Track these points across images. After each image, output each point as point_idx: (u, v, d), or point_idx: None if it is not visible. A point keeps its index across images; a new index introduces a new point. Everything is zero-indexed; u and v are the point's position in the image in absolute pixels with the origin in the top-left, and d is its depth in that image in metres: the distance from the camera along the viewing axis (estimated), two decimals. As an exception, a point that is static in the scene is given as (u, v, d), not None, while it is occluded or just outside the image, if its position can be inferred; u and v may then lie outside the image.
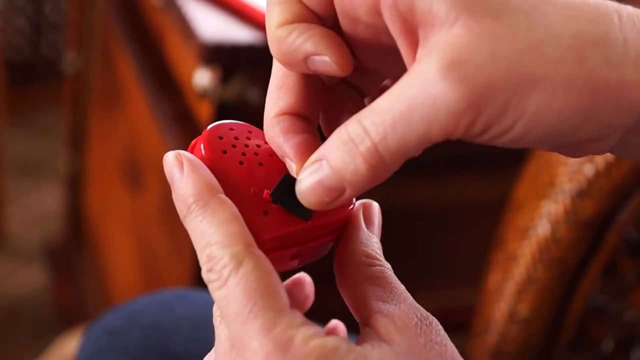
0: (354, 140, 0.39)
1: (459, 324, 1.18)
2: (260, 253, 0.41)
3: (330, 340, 0.39)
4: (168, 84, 1.16)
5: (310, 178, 0.41)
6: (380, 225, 0.47)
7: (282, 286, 0.41)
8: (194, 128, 1.08)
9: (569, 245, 0.78)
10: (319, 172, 0.41)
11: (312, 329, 0.39)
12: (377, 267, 0.44)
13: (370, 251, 0.45)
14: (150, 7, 1.23)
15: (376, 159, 0.39)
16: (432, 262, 1.25)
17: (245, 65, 0.99)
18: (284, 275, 0.47)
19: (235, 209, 0.42)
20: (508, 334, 0.82)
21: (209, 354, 0.46)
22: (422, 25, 0.38)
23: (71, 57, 1.63)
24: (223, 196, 0.42)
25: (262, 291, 0.39)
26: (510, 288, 0.81)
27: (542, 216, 0.79)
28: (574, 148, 0.41)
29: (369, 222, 0.47)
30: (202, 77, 0.98)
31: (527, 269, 0.80)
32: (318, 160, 0.41)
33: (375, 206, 0.48)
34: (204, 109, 1.03)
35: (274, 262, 0.43)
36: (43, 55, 2.36)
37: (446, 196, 1.22)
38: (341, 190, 0.40)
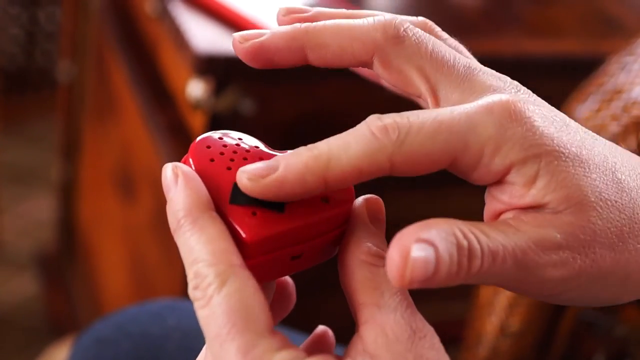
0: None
1: (451, 337, 1.17)
2: (246, 273, 0.40)
3: None
4: (161, 94, 1.16)
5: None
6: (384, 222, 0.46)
7: (266, 308, 0.40)
8: (187, 139, 1.08)
9: (560, 260, 0.78)
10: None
11: (291, 353, 0.39)
12: (380, 267, 0.43)
13: (374, 249, 0.43)
14: (145, 18, 1.23)
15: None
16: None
17: (239, 77, 0.99)
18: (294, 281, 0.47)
19: (224, 227, 0.41)
20: (499, 347, 0.82)
21: None
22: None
23: (65, 66, 1.63)
24: (213, 213, 0.42)
25: (242, 313, 0.39)
26: (501, 302, 0.81)
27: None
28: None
29: (374, 219, 0.45)
30: (196, 88, 0.98)
31: (518, 282, 0.80)
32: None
33: (381, 202, 0.46)
34: (197, 120, 1.03)
35: (273, 264, 0.43)
36: (37, 64, 2.36)
37: (441, 209, 1.22)
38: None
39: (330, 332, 0.49)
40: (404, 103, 0.47)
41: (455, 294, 1.28)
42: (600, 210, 0.42)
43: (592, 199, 0.41)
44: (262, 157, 0.45)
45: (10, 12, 2.27)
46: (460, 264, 0.39)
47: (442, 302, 1.28)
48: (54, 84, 1.84)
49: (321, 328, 0.49)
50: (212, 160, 0.44)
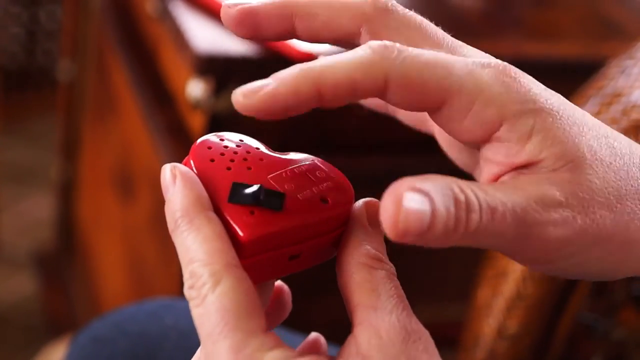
0: None
1: (448, 338, 1.17)
2: (240, 273, 0.40)
3: None
4: (161, 94, 1.16)
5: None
6: None
7: (259, 308, 0.40)
8: (187, 139, 1.08)
9: (558, 262, 0.78)
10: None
11: (283, 352, 0.39)
12: (378, 269, 0.43)
13: (372, 251, 0.43)
14: (145, 17, 1.23)
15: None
16: (422, 276, 1.25)
17: (239, 77, 0.99)
18: (290, 281, 0.47)
19: (221, 227, 0.41)
20: (497, 349, 0.82)
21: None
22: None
23: (65, 65, 1.63)
24: (210, 213, 0.42)
25: (235, 312, 0.39)
26: (499, 304, 0.81)
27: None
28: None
29: (373, 221, 0.45)
30: (196, 88, 0.98)
31: (516, 285, 0.80)
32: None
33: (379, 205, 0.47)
34: (196, 120, 1.03)
35: (270, 264, 0.43)
36: (37, 63, 2.36)
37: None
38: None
39: (322, 339, 0.49)
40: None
41: (452, 295, 1.28)
42: (597, 169, 0.42)
43: (589, 157, 0.42)
44: (262, 158, 0.46)
45: (11, 11, 2.27)
46: (458, 218, 0.38)
47: (439, 303, 1.27)
48: (54, 83, 1.84)
49: (313, 335, 0.49)
50: (212, 160, 0.45)
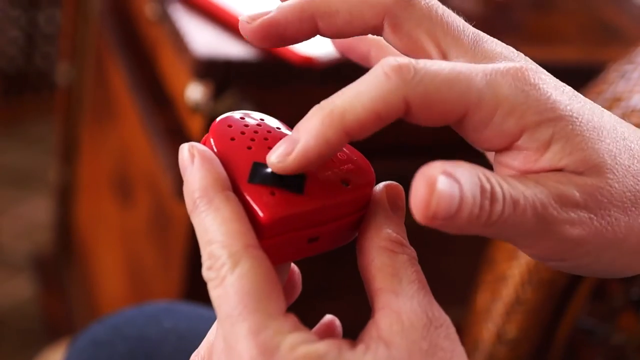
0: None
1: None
2: (259, 254, 0.40)
3: (320, 347, 0.39)
4: (160, 97, 1.16)
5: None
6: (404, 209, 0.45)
7: (278, 290, 0.40)
8: (186, 142, 1.07)
9: (558, 267, 0.78)
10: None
11: (302, 335, 0.39)
12: (399, 254, 0.42)
13: (394, 235, 0.43)
14: (144, 21, 1.23)
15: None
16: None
17: (238, 81, 0.99)
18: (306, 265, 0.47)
19: (240, 207, 0.41)
20: (496, 354, 0.82)
21: (198, 348, 0.46)
22: None
23: (64, 68, 1.63)
24: (229, 193, 0.41)
25: (254, 294, 0.39)
26: (498, 308, 0.81)
27: (531, 237, 0.79)
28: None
29: (393, 205, 0.45)
30: (195, 92, 0.98)
31: (515, 290, 0.80)
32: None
33: (401, 188, 0.46)
34: (195, 124, 1.03)
35: (289, 245, 0.43)
36: (36, 66, 2.36)
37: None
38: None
39: (337, 321, 0.49)
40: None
41: (451, 299, 1.28)
42: (617, 174, 0.42)
43: (609, 162, 0.42)
44: (282, 137, 0.45)
45: (10, 14, 2.27)
46: (482, 207, 0.39)
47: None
48: (53, 86, 1.85)
49: (329, 317, 0.49)
50: (232, 139, 0.44)
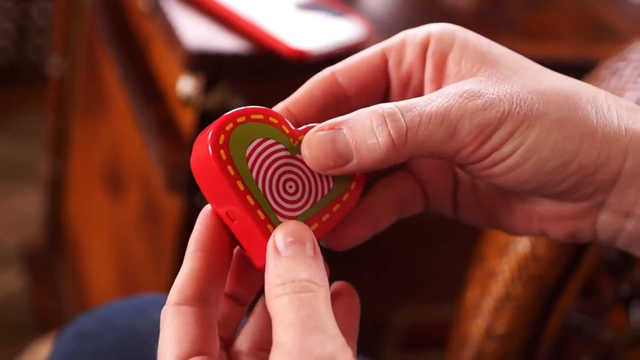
0: (387, 116, 0.44)
1: (436, 339, 1.17)
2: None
3: None
4: (152, 90, 1.16)
5: (325, 135, 0.44)
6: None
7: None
8: (177, 135, 1.07)
9: (548, 263, 0.78)
10: (336, 133, 0.44)
11: None
12: (302, 292, 0.41)
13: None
14: (136, 13, 1.23)
15: (400, 141, 0.43)
16: (411, 276, 1.25)
17: (230, 74, 0.99)
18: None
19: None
20: (485, 350, 0.82)
21: None
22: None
23: (56, 61, 1.63)
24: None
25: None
26: (488, 304, 0.81)
27: (522, 233, 0.79)
28: (559, 205, 0.48)
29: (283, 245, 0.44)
30: (186, 85, 0.98)
31: (505, 285, 0.80)
32: (338, 124, 0.44)
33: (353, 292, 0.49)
34: (187, 117, 1.03)
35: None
36: (28, 59, 2.35)
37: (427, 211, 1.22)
38: (347, 160, 0.44)
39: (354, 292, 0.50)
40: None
41: (441, 296, 1.28)
42: (509, 65, 0.48)
43: (501, 59, 0.49)
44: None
45: (2, 6, 2.26)
46: (382, 128, 0.44)
47: (427, 304, 1.27)
48: (45, 79, 1.84)
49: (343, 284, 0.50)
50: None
